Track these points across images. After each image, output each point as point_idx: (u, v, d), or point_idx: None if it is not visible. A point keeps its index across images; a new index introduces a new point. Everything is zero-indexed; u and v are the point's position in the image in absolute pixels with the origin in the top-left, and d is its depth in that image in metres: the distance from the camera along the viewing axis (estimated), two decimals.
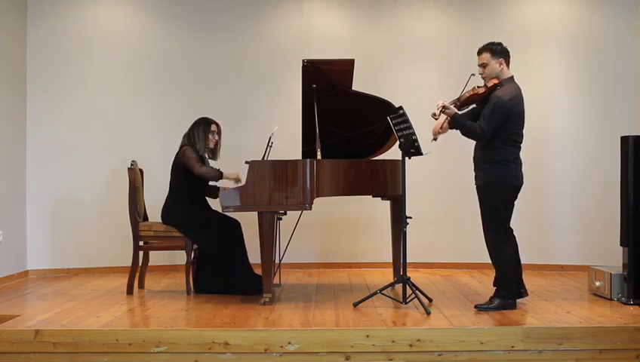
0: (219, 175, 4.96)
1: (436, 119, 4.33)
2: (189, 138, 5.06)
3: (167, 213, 5.07)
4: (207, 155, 5.14)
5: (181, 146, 5.06)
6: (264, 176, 4.52)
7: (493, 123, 4.24)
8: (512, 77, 4.40)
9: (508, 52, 4.40)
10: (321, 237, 6.63)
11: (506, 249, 4.38)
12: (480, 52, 4.42)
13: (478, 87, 4.40)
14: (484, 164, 4.38)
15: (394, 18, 6.65)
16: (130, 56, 6.47)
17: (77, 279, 5.95)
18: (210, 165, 5.15)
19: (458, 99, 4.38)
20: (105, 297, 4.99)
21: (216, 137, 5.13)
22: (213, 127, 5.11)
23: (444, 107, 4.26)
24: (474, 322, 3.99)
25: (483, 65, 4.39)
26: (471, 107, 4.51)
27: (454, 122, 4.32)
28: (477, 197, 4.47)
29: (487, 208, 4.38)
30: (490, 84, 4.36)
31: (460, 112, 4.36)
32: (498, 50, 4.37)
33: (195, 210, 5.05)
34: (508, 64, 4.40)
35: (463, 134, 4.40)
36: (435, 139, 4.46)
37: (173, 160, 5.10)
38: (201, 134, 5.05)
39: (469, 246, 6.27)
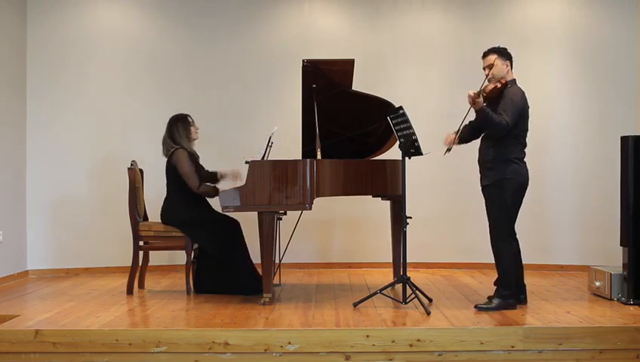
0: (215, 192, 4.97)
1: (475, 108, 4.20)
2: (174, 141, 5.03)
3: (166, 213, 5.06)
4: (195, 152, 5.15)
5: (170, 151, 5.02)
6: (264, 176, 4.52)
7: (514, 117, 4.26)
8: (515, 80, 4.45)
9: (512, 56, 4.48)
10: (321, 237, 6.62)
11: (510, 249, 4.39)
12: (486, 54, 4.47)
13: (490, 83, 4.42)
14: (494, 163, 4.37)
15: (394, 18, 6.65)
16: (130, 56, 6.47)
17: (77, 279, 5.95)
18: (202, 164, 5.16)
19: (483, 90, 4.33)
20: (105, 297, 4.99)
21: (197, 126, 5.15)
22: (190, 119, 5.12)
23: (477, 94, 4.18)
24: (474, 322, 3.99)
25: (490, 67, 4.42)
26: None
27: (482, 112, 4.25)
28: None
29: (497, 206, 4.36)
30: (503, 81, 4.39)
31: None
32: (505, 53, 4.45)
33: (194, 209, 5.04)
34: (512, 67, 4.47)
35: (485, 126, 4.35)
36: (449, 150, 4.42)
37: (166, 164, 5.07)
38: (182, 132, 5.06)
39: (469, 246, 6.27)
